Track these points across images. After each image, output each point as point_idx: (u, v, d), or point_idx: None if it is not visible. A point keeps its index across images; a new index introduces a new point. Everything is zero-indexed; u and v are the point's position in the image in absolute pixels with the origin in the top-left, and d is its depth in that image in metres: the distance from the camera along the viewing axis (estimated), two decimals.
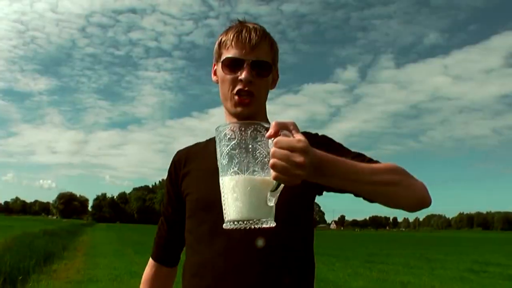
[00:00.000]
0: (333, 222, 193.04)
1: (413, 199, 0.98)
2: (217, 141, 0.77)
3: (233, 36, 1.09)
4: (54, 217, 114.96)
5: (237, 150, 0.74)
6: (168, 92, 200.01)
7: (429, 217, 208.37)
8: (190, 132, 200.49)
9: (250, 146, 0.74)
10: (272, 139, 0.73)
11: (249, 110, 1.10)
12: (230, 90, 1.10)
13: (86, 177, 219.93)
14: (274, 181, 0.73)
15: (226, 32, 1.13)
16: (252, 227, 0.75)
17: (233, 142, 0.74)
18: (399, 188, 0.94)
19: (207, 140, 1.26)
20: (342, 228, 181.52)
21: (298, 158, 0.71)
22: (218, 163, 0.78)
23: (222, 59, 1.12)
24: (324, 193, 1.16)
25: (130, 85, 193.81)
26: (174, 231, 1.28)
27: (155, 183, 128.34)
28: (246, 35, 1.08)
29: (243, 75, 1.07)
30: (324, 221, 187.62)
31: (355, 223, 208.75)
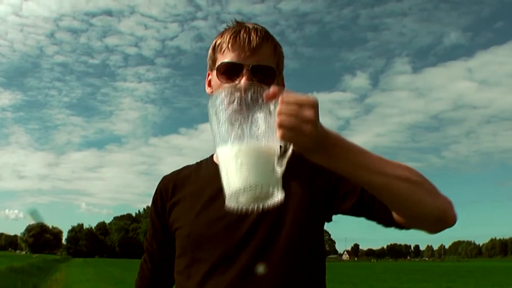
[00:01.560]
0: (345, 252, 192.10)
1: (432, 208, 0.91)
2: (212, 111, 0.78)
3: (230, 37, 1.07)
4: (23, 252, 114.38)
5: (237, 115, 0.75)
6: (151, 105, 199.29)
7: (456, 244, 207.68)
8: (177, 151, 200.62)
9: (252, 109, 0.75)
10: (274, 101, 0.75)
11: None
12: None
13: (59, 205, 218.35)
14: (281, 146, 0.75)
15: (222, 34, 1.12)
16: (260, 202, 0.75)
17: (232, 107, 0.76)
18: (417, 188, 0.90)
19: (197, 163, 1.24)
20: (356, 259, 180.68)
21: (308, 112, 0.72)
22: (213, 135, 0.79)
23: (217, 65, 1.10)
24: (334, 218, 1.15)
25: (107, 98, 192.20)
26: (160, 271, 1.25)
27: (139, 211, 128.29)
28: (245, 36, 1.06)
29: (242, 82, 1.05)
30: (335, 251, 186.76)
31: (370, 252, 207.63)
